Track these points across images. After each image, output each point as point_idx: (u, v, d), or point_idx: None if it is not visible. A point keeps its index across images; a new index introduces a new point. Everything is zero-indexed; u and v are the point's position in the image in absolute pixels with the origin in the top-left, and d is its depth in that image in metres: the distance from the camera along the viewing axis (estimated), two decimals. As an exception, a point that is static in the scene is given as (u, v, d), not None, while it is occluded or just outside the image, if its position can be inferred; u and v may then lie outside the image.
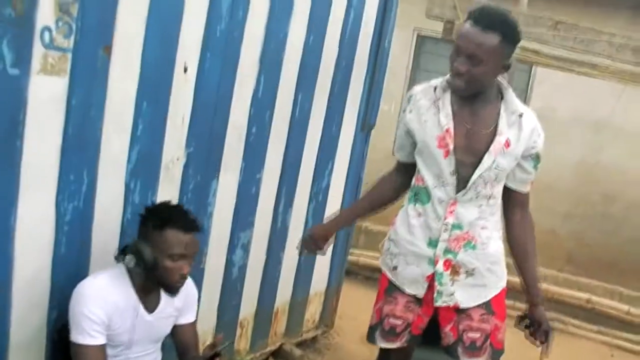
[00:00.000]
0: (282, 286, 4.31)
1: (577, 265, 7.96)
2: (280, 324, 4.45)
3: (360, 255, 6.68)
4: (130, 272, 2.66)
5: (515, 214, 2.86)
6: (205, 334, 3.76)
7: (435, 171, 2.71)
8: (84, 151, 2.76)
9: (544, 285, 6.14)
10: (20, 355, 2.72)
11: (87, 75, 2.67)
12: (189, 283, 2.89)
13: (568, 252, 8.22)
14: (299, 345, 4.63)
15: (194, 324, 2.96)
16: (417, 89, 2.78)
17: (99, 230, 2.88)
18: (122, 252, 2.63)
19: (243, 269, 3.89)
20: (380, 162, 8.67)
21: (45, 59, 2.50)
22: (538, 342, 2.84)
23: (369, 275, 6.36)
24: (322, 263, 4.64)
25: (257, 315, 4.18)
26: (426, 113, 2.71)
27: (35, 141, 2.54)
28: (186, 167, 3.28)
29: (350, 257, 6.58)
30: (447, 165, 2.67)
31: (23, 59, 2.42)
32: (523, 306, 3.04)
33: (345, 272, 6.40)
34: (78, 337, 2.53)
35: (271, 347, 4.40)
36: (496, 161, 2.64)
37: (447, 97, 2.67)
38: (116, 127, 2.86)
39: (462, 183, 2.69)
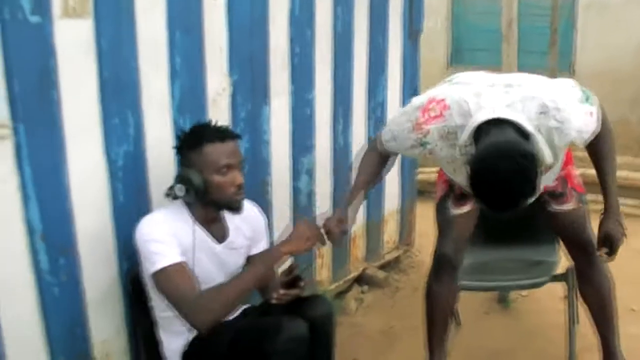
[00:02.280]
0: (355, 210, 4.18)
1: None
2: (359, 249, 4.34)
3: (431, 173, 6.47)
4: (189, 206, 2.55)
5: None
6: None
7: None
8: (124, 93, 2.67)
9: (623, 173, 5.94)
10: (98, 311, 2.70)
11: (112, 13, 2.57)
12: (255, 211, 2.79)
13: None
14: (382, 267, 4.53)
15: None
16: (433, 136, 2.57)
17: (155, 172, 2.80)
18: (171, 188, 2.52)
19: (311, 195, 3.78)
20: (436, 79, 8.51)
21: (66, 2, 2.40)
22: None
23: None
24: (392, 182, 4.49)
25: (334, 242, 4.06)
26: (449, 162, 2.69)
27: (71, 89, 2.46)
28: (233, 96, 3.17)
29: (421, 177, 6.42)
30: None
31: (42, 5, 2.32)
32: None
33: (419, 191, 6.29)
34: (154, 265, 2.39)
35: (354, 273, 4.30)
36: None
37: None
38: (153, 64, 2.76)
39: None
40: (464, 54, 9.07)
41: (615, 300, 3.02)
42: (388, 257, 4.61)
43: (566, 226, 3.02)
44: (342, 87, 3.85)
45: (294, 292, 2.50)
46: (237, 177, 2.48)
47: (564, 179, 2.98)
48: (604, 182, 2.79)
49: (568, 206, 3.00)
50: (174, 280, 2.40)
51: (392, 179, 4.48)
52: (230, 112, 3.16)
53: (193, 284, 2.43)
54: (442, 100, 2.55)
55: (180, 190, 2.46)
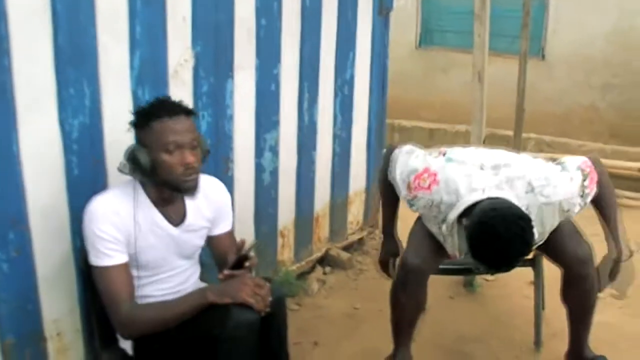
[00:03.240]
0: (319, 188, 4.11)
1: (622, 137, 7.63)
2: (322, 229, 4.26)
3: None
4: (143, 185, 2.43)
5: None
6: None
7: None
8: (81, 62, 2.55)
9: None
10: (51, 288, 2.59)
11: (68, -24, 2.43)
12: (219, 189, 2.67)
13: (610, 124, 7.88)
14: (346, 249, 4.45)
15: (230, 232, 2.73)
16: (420, 204, 2.75)
17: (113, 146, 2.67)
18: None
19: (275, 173, 3.68)
20: (405, 60, 8.49)
21: (19, -37, 2.26)
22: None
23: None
24: (358, 161, 4.42)
25: (297, 222, 3.99)
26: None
27: (24, 56, 2.34)
28: (196, 68, 3.05)
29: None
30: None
31: (-7, -35, 2.19)
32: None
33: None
34: (94, 259, 2.33)
35: (317, 254, 4.23)
36: None
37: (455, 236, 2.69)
38: (112, 33, 2.64)
39: None
40: (433, 36, 8.98)
41: (595, 306, 2.93)
42: (352, 239, 4.53)
43: (557, 242, 2.89)
44: (309, 62, 3.75)
45: (238, 272, 2.40)
46: (187, 156, 2.32)
47: None
48: (608, 227, 2.88)
49: None
50: (109, 282, 2.33)
51: (359, 157, 4.41)
52: (192, 85, 3.05)
53: (128, 290, 2.36)
54: (435, 174, 2.67)
55: (124, 167, 2.35)
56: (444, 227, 2.70)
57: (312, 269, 4.19)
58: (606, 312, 3.52)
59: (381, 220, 3.14)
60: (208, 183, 2.61)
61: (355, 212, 4.55)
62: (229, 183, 3.33)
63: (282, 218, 3.83)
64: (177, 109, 2.35)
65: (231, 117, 3.29)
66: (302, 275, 4.09)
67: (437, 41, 8.86)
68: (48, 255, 2.56)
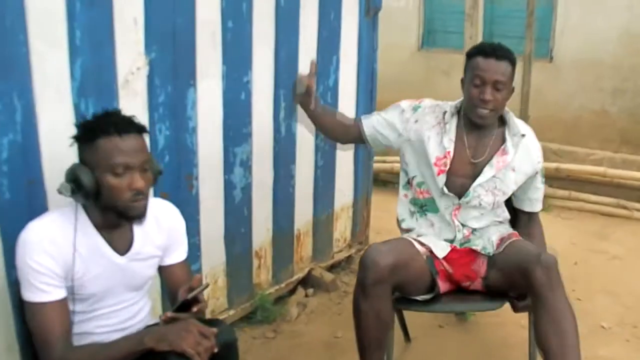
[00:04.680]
0: (300, 204, 3.80)
1: (633, 143, 7.28)
2: (305, 248, 3.96)
3: (393, 162, 6.12)
4: (85, 208, 2.14)
5: (530, 229, 3.04)
6: (216, 271, 3.33)
7: (432, 184, 2.86)
8: (9, 72, 2.26)
9: (601, 169, 5.62)
10: None
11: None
12: (171, 214, 2.38)
13: (622, 130, 7.51)
14: (332, 268, 4.15)
15: (184, 262, 2.43)
16: (427, 103, 2.93)
17: (51, 165, 2.39)
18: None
19: (247, 190, 3.38)
20: (406, 63, 8.18)
21: None
22: None
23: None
24: (344, 174, 4.11)
25: (275, 241, 3.68)
26: (430, 130, 2.85)
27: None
28: (151, 77, 2.76)
29: (384, 165, 6.08)
30: (440, 181, 2.82)
31: None
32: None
33: (380, 182, 5.92)
34: (27, 293, 2.05)
35: (298, 275, 3.93)
36: (497, 175, 2.82)
37: (454, 123, 2.84)
38: (46, 38, 2.35)
39: (461, 191, 2.84)
40: (436, 37, 8.65)
41: (578, 339, 2.57)
42: (338, 257, 4.23)
43: (514, 251, 2.77)
44: (286, 68, 3.44)
45: (183, 316, 2.09)
46: (136, 180, 2.05)
47: (511, 234, 2.94)
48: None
49: (514, 238, 2.87)
50: (42, 320, 2.05)
51: (345, 170, 4.11)
52: (146, 95, 2.76)
53: (63, 329, 2.07)
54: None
55: (65, 189, 2.04)
56: (447, 115, 2.85)
57: (294, 291, 3.90)
58: (612, 345, 3.19)
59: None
60: (159, 207, 2.33)
61: (342, 228, 4.24)
62: (193, 202, 3.07)
63: (257, 237, 3.53)
64: (128, 126, 2.06)
65: (194, 130, 2.99)
66: (282, 298, 3.80)
67: (440, 43, 8.53)
68: (-23, 288, 2.27)
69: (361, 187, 4.28)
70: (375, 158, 5.85)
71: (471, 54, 2.78)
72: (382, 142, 2.97)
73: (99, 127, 2.02)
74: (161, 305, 2.89)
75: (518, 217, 3.05)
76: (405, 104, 2.93)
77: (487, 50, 2.73)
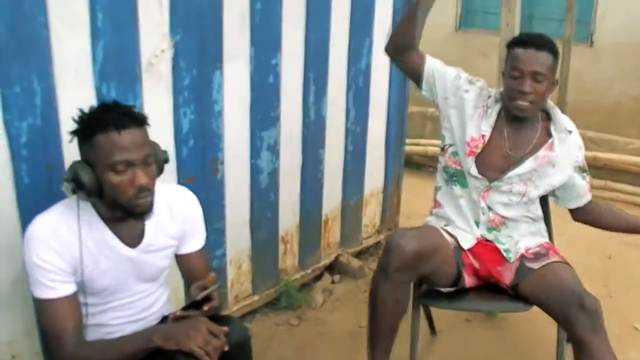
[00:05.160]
0: (329, 189, 3.73)
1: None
2: (332, 233, 3.88)
3: (427, 145, 6.02)
4: (92, 202, 2.07)
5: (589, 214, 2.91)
6: (240, 256, 3.28)
7: (464, 161, 2.77)
8: (28, 55, 2.21)
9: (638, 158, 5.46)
10: (2, 309, 2.32)
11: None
12: (186, 201, 2.29)
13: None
14: (360, 254, 4.08)
15: (201, 251, 2.35)
16: (481, 83, 2.83)
17: (72, 149, 2.25)
18: (65, 178, 2.03)
19: (274, 174, 3.31)
20: (442, 43, 8.02)
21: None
22: None
23: (440, 166, 5.69)
24: (375, 158, 4.02)
25: (302, 226, 3.62)
26: (474, 109, 2.77)
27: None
28: (175, 59, 2.69)
29: (416, 148, 5.99)
30: (469, 162, 2.74)
31: None
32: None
33: (413, 165, 5.83)
34: (35, 290, 2.00)
35: (325, 261, 3.86)
36: (537, 169, 2.72)
37: (496, 110, 2.75)
38: (67, 20, 2.29)
39: (494, 176, 2.74)
40: (475, 17, 8.46)
41: None
42: (367, 243, 4.16)
43: (553, 282, 2.60)
44: (316, 50, 3.35)
45: (193, 314, 2.03)
46: (139, 176, 1.96)
47: (548, 248, 2.80)
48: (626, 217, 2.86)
49: (552, 259, 2.72)
50: (51, 316, 2.00)
51: (376, 154, 4.02)
52: (170, 78, 2.69)
53: (74, 325, 2.02)
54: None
55: (66, 189, 1.97)
56: (490, 100, 2.77)
57: (320, 277, 3.83)
58: None
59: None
60: (173, 194, 2.25)
61: (371, 214, 4.16)
62: (218, 187, 3.02)
63: (283, 222, 3.47)
64: (127, 120, 1.95)
65: (220, 114, 2.92)
66: (307, 284, 3.74)
67: (479, 23, 8.35)
68: (-2, 274, 2.25)
69: (392, 172, 4.18)
70: (408, 140, 5.77)
71: (510, 45, 2.69)
72: (430, 90, 2.82)
73: (95, 123, 1.93)
74: (184, 291, 2.84)
75: (579, 212, 2.91)
76: (463, 73, 2.83)
77: (526, 40, 2.64)
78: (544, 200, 2.93)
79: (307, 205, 3.60)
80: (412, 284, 2.62)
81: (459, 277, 2.70)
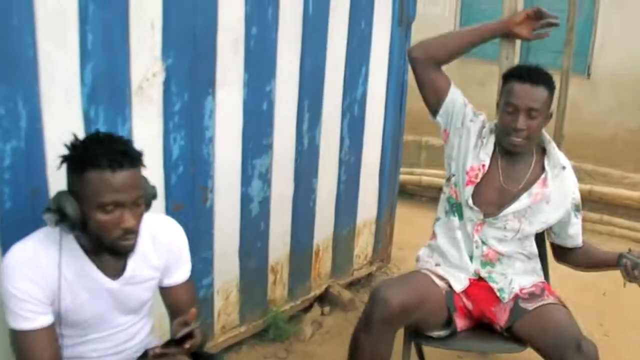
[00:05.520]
0: (321, 219, 3.66)
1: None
2: (323, 264, 3.80)
3: (422, 175, 5.96)
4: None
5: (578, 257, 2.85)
6: (228, 286, 3.19)
7: (462, 191, 2.72)
8: (14, 75, 2.14)
9: (636, 194, 5.41)
10: None
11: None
12: (171, 231, 2.19)
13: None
14: (350, 285, 3.99)
15: (186, 282, 2.26)
16: (483, 117, 2.78)
17: (58, 174, 2.19)
18: (48, 208, 1.93)
19: (265, 203, 3.23)
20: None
21: None
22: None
23: (435, 196, 5.60)
24: (368, 188, 3.95)
25: (293, 256, 3.54)
26: (477, 140, 2.72)
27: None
28: (167, 84, 2.62)
29: (411, 177, 5.93)
30: (467, 192, 2.69)
31: None
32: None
33: (406, 194, 5.76)
34: (11, 321, 1.91)
35: (315, 292, 3.77)
36: (532, 206, 2.66)
37: (492, 141, 2.71)
38: (56, 41, 2.23)
39: (489, 211, 2.69)
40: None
41: None
42: (358, 274, 4.07)
43: (549, 324, 2.53)
44: (312, 77, 3.30)
45: (173, 351, 1.94)
46: (127, 219, 1.87)
47: (543, 288, 2.74)
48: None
49: (547, 300, 2.65)
50: (27, 348, 1.91)
51: (369, 184, 3.96)
52: (161, 102, 2.62)
53: (51, 357, 1.93)
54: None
55: (49, 219, 1.88)
56: (484, 130, 2.72)
57: (310, 308, 3.74)
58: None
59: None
60: (158, 224, 2.15)
61: (364, 244, 4.08)
62: (207, 215, 2.94)
63: (273, 252, 3.39)
64: (122, 159, 1.84)
65: (210, 140, 2.85)
66: (297, 316, 3.65)
67: (476, 52, 8.29)
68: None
69: (386, 202, 4.12)
70: (402, 170, 5.71)
71: (506, 77, 2.65)
72: (447, 117, 2.76)
73: (89, 157, 1.84)
74: (169, 322, 2.75)
75: (565, 253, 2.87)
76: (468, 103, 2.78)
77: (523, 74, 2.59)
78: (540, 238, 2.86)
79: (299, 235, 3.52)
80: (393, 339, 2.52)
81: (450, 321, 2.62)
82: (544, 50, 7.28)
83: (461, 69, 8.24)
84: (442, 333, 2.63)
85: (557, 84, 4.78)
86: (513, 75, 2.62)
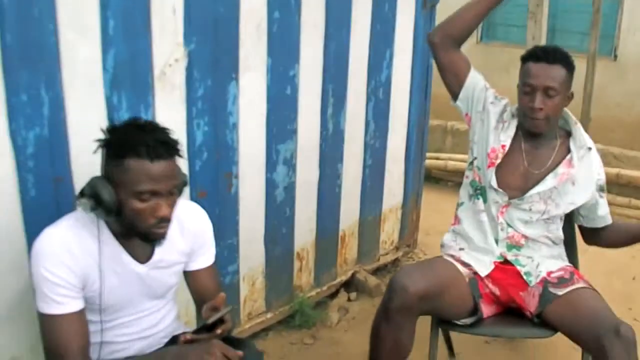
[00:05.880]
0: (346, 205, 3.63)
1: None
2: (349, 250, 3.78)
3: (448, 160, 5.90)
4: None
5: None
6: (254, 273, 3.18)
7: (484, 174, 2.69)
8: (36, 62, 2.13)
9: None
10: (6, 324, 2.23)
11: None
12: (197, 217, 2.20)
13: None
14: (377, 271, 3.97)
15: (211, 267, 2.27)
16: (505, 101, 2.75)
17: (80, 161, 2.27)
18: (82, 193, 1.93)
19: (290, 189, 3.22)
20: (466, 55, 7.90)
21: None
22: None
23: (460, 180, 5.56)
24: (394, 173, 3.92)
25: (318, 242, 3.52)
26: (497, 122, 2.70)
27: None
28: (189, 69, 2.60)
29: (437, 162, 5.88)
30: (489, 173, 2.65)
31: None
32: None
33: (432, 179, 5.72)
34: (41, 304, 1.91)
35: (341, 278, 3.75)
36: (557, 186, 2.62)
37: (514, 124, 2.68)
38: (77, 28, 2.22)
39: (514, 192, 2.66)
40: (496, 30, 8.35)
41: None
42: (384, 260, 4.05)
43: (583, 309, 2.47)
44: (335, 62, 3.26)
45: (204, 337, 1.94)
46: (162, 207, 1.88)
47: (572, 272, 2.67)
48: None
49: (577, 285, 2.59)
50: (57, 333, 1.91)
51: (395, 170, 3.93)
52: (184, 88, 2.61)
53: (81, 344, 1.93)
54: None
55: (84, 205, 1.88)
56: (506, 114, 2.70)
57: (336, 294, 3.73)
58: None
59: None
60: (184, 210, 2.15)
61: (390, 230, 4.05)
62: (231, 201, 2.93)
63: (299, 238, 3.37)
64: (161, 149, 1.85)
65: (234, 126, 2.83)
66: (323, 302, 3.63)
67: (500, 36, 8.24)
68: (2, 288, 2.19)
69: (412, 188, 4.08)
70: (428, 154, 5.66)
71: (523, 59, 2.61)
72: (467, 101, 2.74)
73: (129, 145, 1.83)
74: (195, 309, 2.75)
75: (596, 233, 2.81)
76: (490, 87, 2.76)
77: (539, 54, 2.56)
78: (569, 222, 2.81)
79: (324, 221, 3.50)
80: (414, 326, 2.49)
81: (475, 308, 2.59)
82: (571, 33, 7.20)
83: (484, 53, 8.21)
84: (467, 321, 2.59)
85: (584, 67, 4.76)
86: (530, 56, 2.58)
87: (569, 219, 2.81)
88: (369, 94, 3.54)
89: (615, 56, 7.55)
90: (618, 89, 7.36)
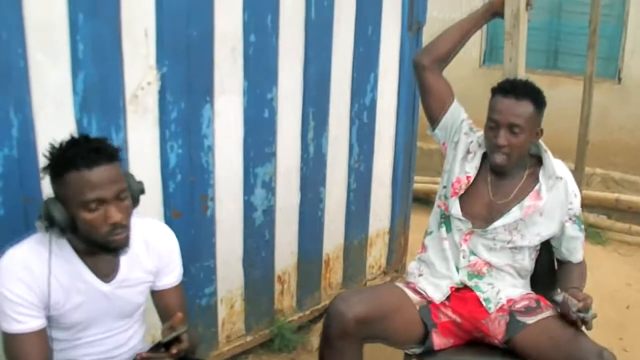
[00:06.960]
0: (330, 229, 3.62)
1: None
2: (334, 274, 3.77)
3: (433, 182, 5.87)
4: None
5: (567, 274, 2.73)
6: (233, 295, 3.18)
7: (449, 203, 2.67)
8: (5, 85, 2.18)
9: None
10: None
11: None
12: (162, 235, 2.22)
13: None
14: (364, 295, 3.93)
15: (177, 287, 2.28)
16: (480, 134, 2.69)
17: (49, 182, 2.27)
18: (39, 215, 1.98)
19: (269, 212, 3.22)
20: (466, 80, 7.92)
21: None
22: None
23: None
24: (380, 197, 3.91)
25: (301, 265, 3.51)
26: (465, 153, 2.69)
27: None
28: (162, 92, 2.63)
29: (428, 186, 5.84)
30: (452, 203, 2.63)
31: None
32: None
33: (430, 203, 5.68)
34: (3, 323, 1.94)
35: (326, 302, 3.71)
36: (524, 218, 2.56)
37: (480, 155, 2.66)
38: (47, 51, 2.27)
39: (478, 222, 2.62)
40: (499, 53, 8.28)
41: None
42: (372, 285, 4.01)
43: (560, 337, 2.40)
44: (316, 85, 3.27)
45: (157, 355, 1.94)
46: (112, 213, 1.90)
47: (537, 300, 2.58)
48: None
49: (547, 313, 2.50)
50: (18, 352, 1.95)
51: (381, 193, 3.91)
52: (157, 111, 2.63)
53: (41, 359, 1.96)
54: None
55: (39, 227, 1.92)
56: (472, 144, 2.67)
57: (320, 318, 3.69)
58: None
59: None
60: (150, 228, 2.19)
61: (377, 254, 4.04)
62: (208, 223, 2.94)
63: (279, 261, 3.37)
64: (97, 155, 1.88)
65: (210, 149, 2.85)
66: (306, 326, 3.62)
67: (503, 59, 8.22)
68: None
69: (399, 212, 4.06)
70: (425, 178, 5.65)
71: (493, 91, 2.57)
72: (445, 131, 2.73)
73: (65, 160, 1.87)
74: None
75: (560, 267, 2.77)
76: (467, 118, 2.74)
77: (507, 88, 2.52)
78: (547, 250, 2.77)
79: (306, 245, 3.49)
80: (359, 351, 2.48)
81: (426, 337, 2.54)
82: (571, 55, 7.18)
83: (487, 76, 8.18)
84: (416, 350, 2.55)
85: (581, 89, 4.75)
86: (499, 88, 2.55)
87: (549, 248, 2.76)
88: (352, 117, 3.55)
89: (620, 79, 7.52)
90: (622, 112, 7.32)
